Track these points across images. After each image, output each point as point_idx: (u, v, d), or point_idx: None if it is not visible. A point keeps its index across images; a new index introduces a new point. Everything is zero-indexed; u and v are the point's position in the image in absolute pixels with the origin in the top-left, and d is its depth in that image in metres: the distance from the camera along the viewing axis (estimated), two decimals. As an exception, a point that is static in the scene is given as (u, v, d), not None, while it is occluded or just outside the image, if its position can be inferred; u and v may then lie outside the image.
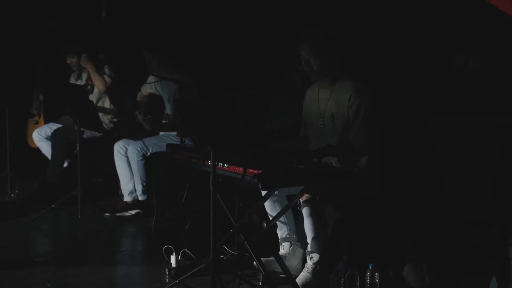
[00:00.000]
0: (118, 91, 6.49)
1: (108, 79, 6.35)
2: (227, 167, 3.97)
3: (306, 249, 4.30)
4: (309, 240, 4.20)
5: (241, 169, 3.86)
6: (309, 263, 4.19)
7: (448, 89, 4.87)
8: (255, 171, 3.78)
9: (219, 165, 3.97)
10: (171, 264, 4.43)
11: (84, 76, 6.54)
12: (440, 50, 5.09)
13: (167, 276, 4.33)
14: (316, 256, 4.17)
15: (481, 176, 3.86)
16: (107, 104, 6.45)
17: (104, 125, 6.35)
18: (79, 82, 6.55)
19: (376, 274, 3.98)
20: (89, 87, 6.44)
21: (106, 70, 6.36)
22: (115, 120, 6.49)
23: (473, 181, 4.09)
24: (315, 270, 4.16)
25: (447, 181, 4.31)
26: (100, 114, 6.28)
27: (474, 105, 4.52)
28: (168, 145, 4.49)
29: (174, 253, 4.45)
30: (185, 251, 4.45)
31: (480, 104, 4.42)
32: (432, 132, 4.48)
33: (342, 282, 3.94)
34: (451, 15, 4.98)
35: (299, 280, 4.16)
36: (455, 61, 5.08)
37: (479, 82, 4.74)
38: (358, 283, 3.95)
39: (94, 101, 6.33)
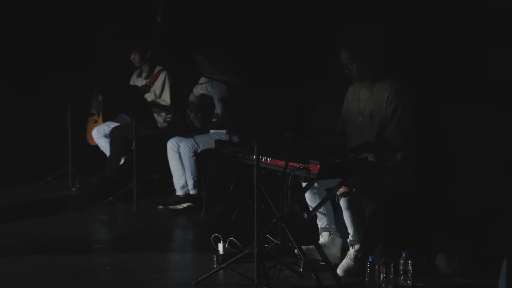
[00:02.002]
0: (175, 91, 6.86)
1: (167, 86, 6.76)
2: (270, 160, 4.29)
3: (345, 238, 4.60)
4: (350, 231, 4.49)
5: (283, 162, 4.18)
6: (351, 251, 4.48)
7: (484, 89, 5.09)
8: (295, 164, 4.10)
9: (262, 159, 4.29)
10: (219, 251, 4.75)
11: (144, 75, 6.94)
12: (478, 53, 5.30)
13: (215, 262, 4.66)
14: (357, 245, 4.46)
15: (493, 165, 4.10)
16: (162, 102, 6.82)
17: (158, 124, 6.72)
18: (139, 80, 6.94)
19: (409, 261, 4.21)
20: (147, 88, 6.83)
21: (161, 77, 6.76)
22: (169, 119, 6.86)
23: (486, 170, 4.34)
24: (357, 257, 4.45)
25: (463, 170, 4.56)
26: (155, 114, 6.65)
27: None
28: (217, 141, 4.84)
29: (221, 241, 4.77)
30: (232, 239, 4.78)
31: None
32: (449, 125, 4.73)
33: (376, 268, 4.20)
34: (489, 18, 5.18)
35: (342, 266, 4.44)
36: (493, 64, 5.27)
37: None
38: (392, 269, 4.20)
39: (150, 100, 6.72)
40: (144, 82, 6.89)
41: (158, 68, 6.89)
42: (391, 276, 4.17)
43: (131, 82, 7.03)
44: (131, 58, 6.91)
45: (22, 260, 4.69)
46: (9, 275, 4.39)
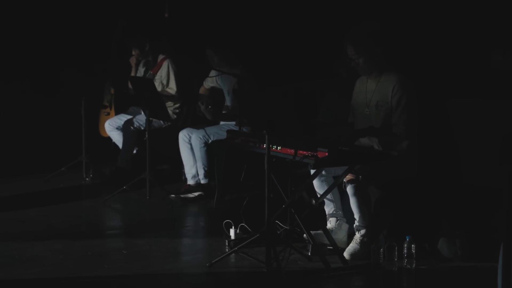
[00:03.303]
0: (180, 78, 7.07)
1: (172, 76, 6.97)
2: (280, 149, 4.49)
3: (351, 224, 4.80)
4: (356, 216, 4.68)
5: (292, 150, 4.38)
6: (357, 236, 4.68)
7: (486, 80, 5.27)
8: (304, 152, 4.30)
9: (273, 147, 4.49)
10: (230, 236, 4.96)
11: (148, 64, 7.15)
12: (478, 47, 5.49)
13: (226, 247, 4.85)
14: (363, 230, 4.67)
15: (491, 149, 4.31)
16: (169, 90, 7.03)
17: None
18: (144, 69, 7.15)
19: (412, 245, 4.41)
20: (151, 77, 7.04)
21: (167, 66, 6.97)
22: (177, 111, 7.07)
23: (484, 154, 4.55)
24: (362, 242, 4.65)
25: (462, 154, 4.78)
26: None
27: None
28: (228, 131, 5.04)
29: (233, 227, 4.97)
30: (243, 225, 4.98)
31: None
32: (450, 115, 4.94)
33: (381, 252, 4.40)
34: (490, 12, 5.36)
35: (349, 250, 4.64)
36: (493, 58, 5.46)
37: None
38: (396, 253, 4.40)
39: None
40: (149, 72, 7.10)
41: (161, 57, 7.10)
42: (395, 259, 4.38)
43: (138, 71, 7.24)
44: (133, 53, 7.13)
45: (42, 244, 4.90)
46: (30, 259, 4.61)
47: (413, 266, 4.41)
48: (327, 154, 4.18)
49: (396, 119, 4.73)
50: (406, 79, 4.79)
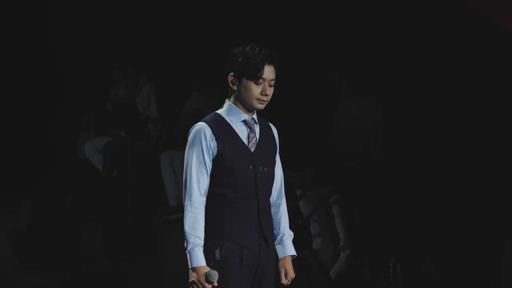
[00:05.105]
0: (160, 102, 7.10)
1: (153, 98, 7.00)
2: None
3: (336, 244, 4.85)
4: (341, 236, 4.75)
5: (279, 171, 4.41)
6: (343, 256, 4.74)
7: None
8: (291, 173, 4.35)
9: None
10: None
11: (129, 86, 7.17)
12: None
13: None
14: (348, 250, 4.72)
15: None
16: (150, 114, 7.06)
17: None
18: (126, 91, 7.18)
19: (397, 265, 4.48)
20: (131, 97, 7.06)
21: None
22: (158, 133, 7.07)
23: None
24: (348, 262, 4.71)
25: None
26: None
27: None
28: (215, 152, 5.06)
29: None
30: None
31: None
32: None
33: (368, 271, 4.46)
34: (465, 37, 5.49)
35: (335, 269, 4.71)
36: None
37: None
38: (382, 272, 4.45)
39: None
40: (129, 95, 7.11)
41: (142, 79, 7.12)
42: (381, 278, 4.43)
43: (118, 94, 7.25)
44: (114, 74, 7.14)
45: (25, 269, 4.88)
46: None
47: (399, 285, 4.45)
48: (314, 174, 4.23)
49: (374, 145, 4.84)
50: (384, 104, 4.91)
